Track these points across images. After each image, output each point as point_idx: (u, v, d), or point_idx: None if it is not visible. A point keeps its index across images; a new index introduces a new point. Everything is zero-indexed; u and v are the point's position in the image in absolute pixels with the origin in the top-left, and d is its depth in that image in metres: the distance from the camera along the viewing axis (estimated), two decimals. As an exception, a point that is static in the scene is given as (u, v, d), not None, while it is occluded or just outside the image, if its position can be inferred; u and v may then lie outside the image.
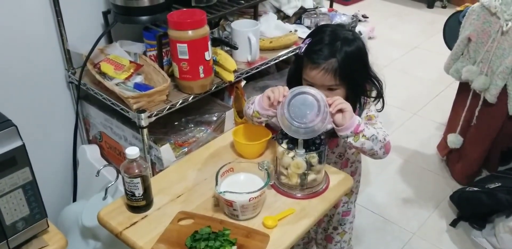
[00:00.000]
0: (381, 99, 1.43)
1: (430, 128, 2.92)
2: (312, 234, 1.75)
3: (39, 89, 1.65)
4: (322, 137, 1.34)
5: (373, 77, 1.40)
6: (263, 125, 1.45)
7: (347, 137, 1.27)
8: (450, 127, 2.52)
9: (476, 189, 2.21)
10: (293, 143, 1.34)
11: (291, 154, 1.29)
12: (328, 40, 1.33)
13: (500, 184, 2.16)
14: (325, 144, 1.32)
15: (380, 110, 1.44)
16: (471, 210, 2.24)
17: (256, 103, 1.35)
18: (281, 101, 1.25)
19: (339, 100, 1.24)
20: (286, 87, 1.28)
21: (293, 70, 1.44)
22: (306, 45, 1.36)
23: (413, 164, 2.65)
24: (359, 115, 1.37)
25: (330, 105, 1.23)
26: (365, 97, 1.42)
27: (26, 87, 1.61)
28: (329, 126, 1.38)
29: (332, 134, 1.39)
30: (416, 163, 2.65)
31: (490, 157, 2.45)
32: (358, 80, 1.37)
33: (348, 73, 1.33)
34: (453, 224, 2.27)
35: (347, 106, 1.24)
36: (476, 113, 2.26)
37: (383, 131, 1.34)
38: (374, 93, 1.43)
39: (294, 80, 1.40)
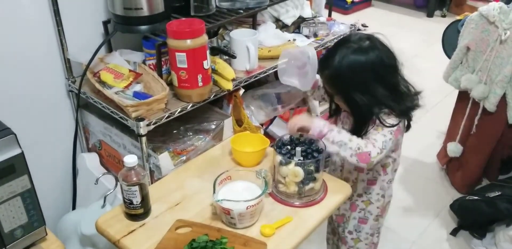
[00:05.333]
0: (402, 120, 1.39)
1: (430, 136, 2.92)
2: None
3: (39, 98, 1.66)
4: (320, 146, 1.34)
5: (385, 99, 1.34)
6: None
7: None
8: (450, 136, 2.52)
9: (476, 197, 2.21)
10: (291, 152, 1.34)
11: (289, 162, 1.29)
12: (331, 50, 1.38)
13: (500, 193, 2.16)
14: (323, 152, 1.32)
15: (406, 131, 1.46)
16: (471, 219, 2.23)
17: None
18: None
19: (291, 125, 1.37)
20: None
21: None
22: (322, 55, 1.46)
23: (413, 173, 2.64)
24: (367, 130, 1.38)
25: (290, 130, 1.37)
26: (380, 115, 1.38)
27: (26, 95, 1.62)
28: None
29: None
30: (416, 172, 2.65)
31: (490, 165, 2.45)
32: (350, 94, 1.35)
33: (336, 84, 1.38)
34: (454, 233, 2.26)
35: (301, 123, 1.35)
36: (476, 122, 2.27)
37: (368, 143, 1.31)
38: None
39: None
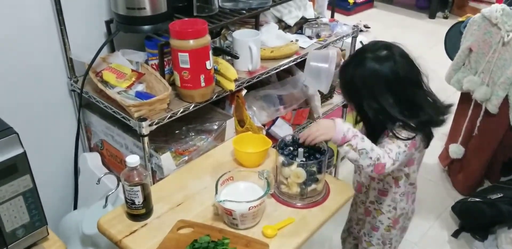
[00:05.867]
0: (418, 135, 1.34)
1: (432, 138, 2.91)
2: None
3: (41, 97, 1.66)
4: (322, 147, 1.34)
5: (387, 109, 1.30)
6: None
7: (338, 146, 1.29)
8: (452, 137, 2.52)
9: (477, 199, 2.21)
10: (293, 153, 1.34)
11: (292, 163, 1.29)
12: (350, 57, 1.42)
13: (502, 195, 2.16)
14: (325, 154, 1.32)
15: (425, 147, 1.42)
16: (473, 221, 2.23)
17: None
18: None
19: (310, 137, 1.28)
20: None
21: None
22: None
23: (414, 174, 2.64)
24: (380, 140, 1.36)
25: (305, 141, 1.30)
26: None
27: (28, 95, 1.62)
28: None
29: None
30: (417, 173, 2.64)
31: (492, 167, 2.45)
32: (360, 103, 1.34)
33: (350, 94, 1.39)
34: (455, 234, 2.26)
35: (322, 137, 1.27)
36: (478, 123, 2.27)
37: (385, 153, 1.27)
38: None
39: None
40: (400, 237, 1.66)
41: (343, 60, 1.55)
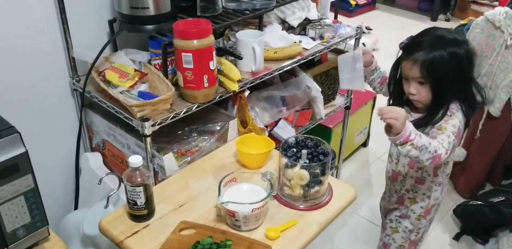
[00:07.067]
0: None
1: (433, 140, 2.91)
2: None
3: (43, 96, 1.65)
4: (325, 149, 1.33)
5: (464, 92, 1.42)
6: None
7: (396, 144, 1.32)
8: (454, 140, 2.52)
9: (479, 202, 2.20)
10: (297, 154, 1.33)
11: (295, 164, 1.28)
12: (424, 36, 1.45)
13: (504, 198, 2.15)
14: (329, 156, 1.31)
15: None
16: (475, 224, 2.23)
17: None
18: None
19: (388, 115, 1.27)
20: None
21: (394, 64, 1.57)
22: (406, 40, 1.49)
23: (416, 177, 2.63)
24: (436, 122, 1.41)
25: (381, 115, 1.28)
26: (454, 109, 1.43)
27: (30, 94, 1.61)
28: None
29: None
30: (419, 176, 2.64)
31: (494, 170, 2.44)
32: (443, 82, 1.39)
33: (433, 70, 1.39)
34: (456, 238, 2.26)
35: (396, 121, 1.26)
36: (480, 126, 2.26)
37: (439, 143, 1.33)
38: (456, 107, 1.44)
39: (393, 76, 1.57)
40: (428, 228, 1.70)
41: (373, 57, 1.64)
